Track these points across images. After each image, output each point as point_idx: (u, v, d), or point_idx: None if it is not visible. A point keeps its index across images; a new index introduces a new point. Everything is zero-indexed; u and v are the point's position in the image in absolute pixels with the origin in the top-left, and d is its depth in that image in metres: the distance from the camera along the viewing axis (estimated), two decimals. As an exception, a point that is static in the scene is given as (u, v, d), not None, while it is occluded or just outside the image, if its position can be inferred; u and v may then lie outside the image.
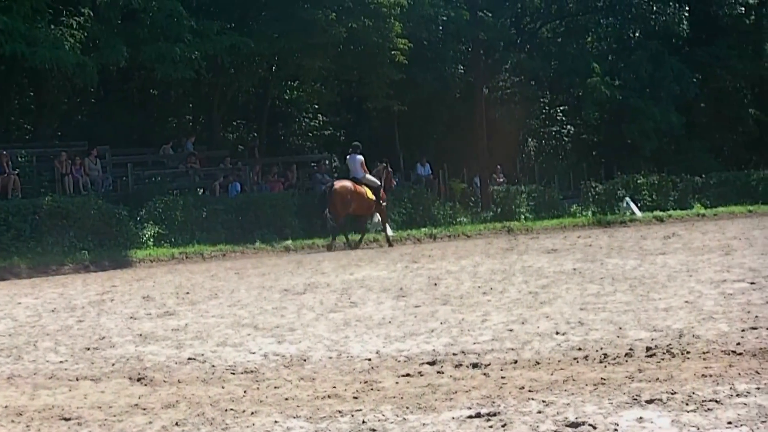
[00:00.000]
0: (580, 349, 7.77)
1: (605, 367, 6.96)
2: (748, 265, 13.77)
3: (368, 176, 26.07)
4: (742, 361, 6.86)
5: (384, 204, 26.26)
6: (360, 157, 26.25)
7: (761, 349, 7.29)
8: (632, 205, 32.75)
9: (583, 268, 14.78)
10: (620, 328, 8.69)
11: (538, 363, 7.25)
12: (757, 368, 6.55)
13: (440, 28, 35.95)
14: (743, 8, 47.55)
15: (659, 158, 40.12)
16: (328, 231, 25.28)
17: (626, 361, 7.14)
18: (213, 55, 27.97)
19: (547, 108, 42.46)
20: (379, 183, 26.17)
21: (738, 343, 7.58)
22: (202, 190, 28.65)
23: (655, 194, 35.42)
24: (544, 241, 22.83)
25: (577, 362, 7.21)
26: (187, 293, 14.09)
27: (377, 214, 26.56)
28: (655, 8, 45.53)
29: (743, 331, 8.17)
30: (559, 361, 7.28)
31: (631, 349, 7.56)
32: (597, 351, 7.60)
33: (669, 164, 38.91)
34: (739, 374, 6.38)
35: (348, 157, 27.01)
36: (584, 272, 14.03)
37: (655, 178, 36.19)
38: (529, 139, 41.79)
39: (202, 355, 8.48)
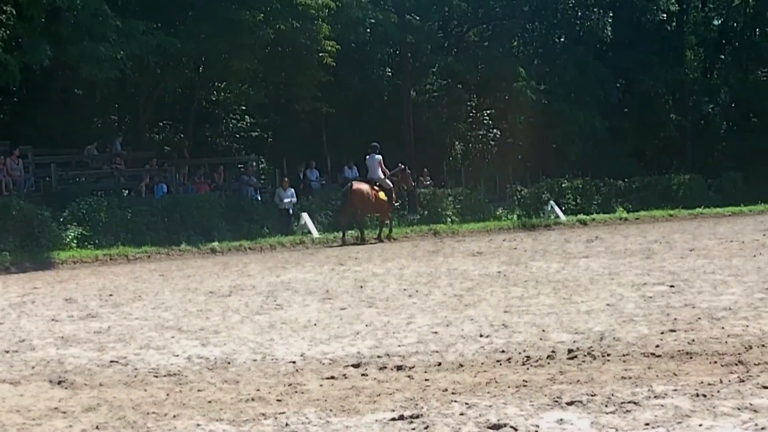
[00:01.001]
0: (503, 351, 7.85)
1: (527, 369, 7.03)
2: (668, 268, 14.02)
3: (383, 178, 27.14)
4: (661, 363, 6.98)
5: (397, 204, 27.85)
6: (378, 157, 27.32)
7: (679, 351, 7.43)
8: (556, 208, 33.06)
9: (507, 271, 14.91)
10: (543, 331, 8.79)
11: (461, 365, 7.31)
12: (674, 370, 6.67)
13: (368, 30, 35.96)
14: (665, 15, 48.46)
15: (583, 162, 40.56)
16: (340, 227, 26.59)
17: (548, 363, 7.23)
18: (139, 55, 27.60)
19: (474, 111, 42.65)
20: (391, 186, 27.21)
21: (657, 346, 7.72)
22: (127, 192, 28.28)
23: (579, 198, 35.78)
24: (470, 244, 22.97)
25: (500, 364, 7.28)
26: (111, 295, 13.92)
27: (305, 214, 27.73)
28: (580, 14, 46.17)
29: (662, 333, 8.32)
30: (482, 364, 7.34)
31: (553, 352, 7.66)
32: (520, 353, 7.68)
33: (593, 168, 39.33)
34: (658, 376, 6.50)
35: (367, 157, 27.81)
36: (509, 275, 14.16)
37: (579, 182, 36.56)
38: (456, 143, 41.90)
39: (125, 358, 8.39)
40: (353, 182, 27.41)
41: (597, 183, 37.03)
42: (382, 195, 26.86)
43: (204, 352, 8.51)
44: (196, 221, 26.14)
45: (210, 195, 28.18)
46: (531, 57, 45.00)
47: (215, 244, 24.60)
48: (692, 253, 16.79)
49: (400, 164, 28.82)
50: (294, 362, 7.84)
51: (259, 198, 29.94)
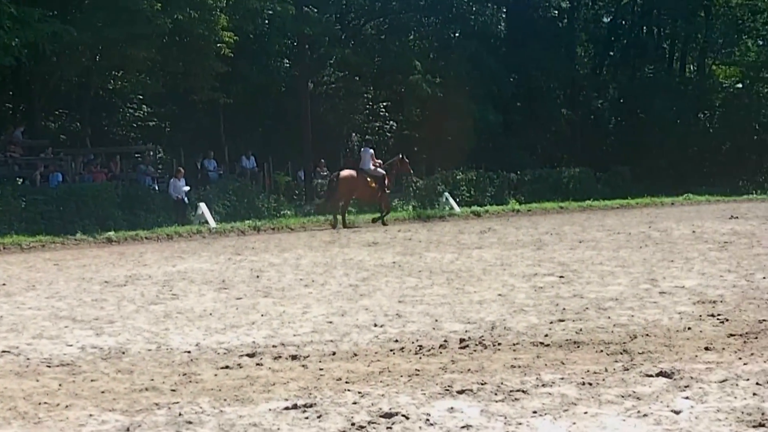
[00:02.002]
0: (396, 341, 7.88)
1: (420, 358, 7.07)
2: (558, 259, 14.24)
3: (373, 168, 28.34)
4: (549, 352, 7.08)
5: (388, 192, 28.80)
6: (371, 151, 28.98)
7: (567, 340, 7.55)
8: (451, 200, 33.28)
9: (402, 261, 14.97)
10: (436, 321, 8.84)
11: (355, 355, 7.31)
12: (562, 359, 6.78)
13: (266, 21, 35.74)
14: (557, 12, 49.20)
15: (477, 155, 40.89)
16: (330, 212, 28.18)
17: (440, 352, 7.28)
18: (34, 43, 26.91)
19: (370, 104, 42.77)
20: (384, 173, 28.47)
21: (546, 335, 7.83)
22: (21, 180, 27.63)
23: (473, 190, 36.06)
24: (366, 235, 23.00)
25: (394, 354, 7.30)
26: (4, 284, 13.59)
27: None
28: (474, 9, 46.52)
29: (551, 323, 8.44)
30: (376, 353, 7.35)
31: (445, 341, 7.71)
32: (413, 343, 7.71)
33: (487, 161, 39.66)
34: (546, 365, 6.59)
35: (362, 149, 29.49)
36: (403, 265, 14.22)
37: (473, 174, 36.80)
38: (353, 134, 41.95)
39: (17, 347, 8.20)
40: (340, 170, 28.86)
41: (490, 175, 37.37)
42: (372, 183, 28.16)
43: (98, 342, 8.36)
44: (92, 210, 25.66)
45: (106, 184, 27.69)
46: (426, 51, 45.27)
47: (111, 233, 24.16)
48: (581, 244, 17.08)
49: (399, 154, 30.08)
50: (189, 352, 7.75)
51: (157, 188, 29.53)
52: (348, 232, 25.07)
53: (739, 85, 52.37)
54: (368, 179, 28.16)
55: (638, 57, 50.50)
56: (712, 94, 50.65)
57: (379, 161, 29.28)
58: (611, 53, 52.07)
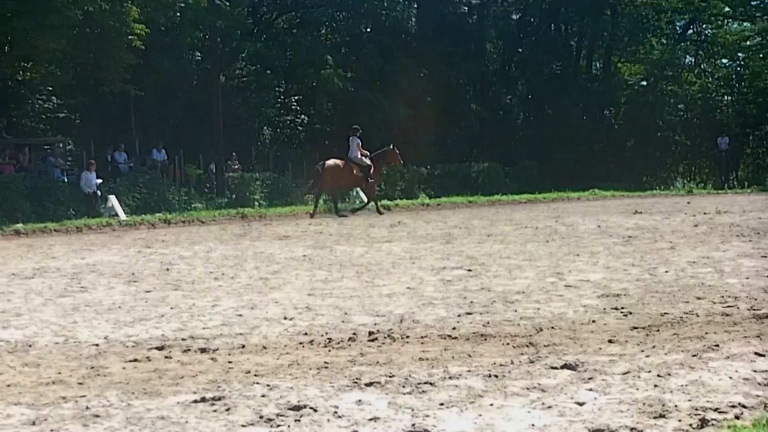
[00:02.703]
0: (306, 333, 7.87)
1: (329, 351, 7.07)
2: (467, 253, 14.35)
3: (360, 157, 29.42)
4: (457, 345, 7.14)
5: (371, 181, 29.64)
6: (357, 140, 29.76)
7: (474, 333, 7.62)
8: (361, 194, 33.31)
9: (313, 254, 14.96)
10: (345, 314, 8.85)
11: (265, 348, 7.28)
12: (469, 351, 6.84)
13: (178, 14, 35.30)
14: (467, 8, 49.51)
15: (390, 149, 41.02)
16: (313, 199, 29.86)
17: (349, 345, 7.29)
18: (-61, 32, 26.36)
19: (282, 97, 42.52)
20: (369, 163, 29.53)
21: (454, 328, 7.89)
22: (-75, 172, 26.99)
23: (383, 184, 36.17)
24: (277, 228, 22.94)
25: (303, 347, 7.29)
26: None
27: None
28: (385, 4, 46.59)
29: (459, 316, 8.51)
30: (285, 346, 7.33)
31: (354, 334, 7.72)
32: (322, 336, 7.71)
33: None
34: (453, 357, 6.64)
35: (349, 138, 30.01)
36: (314, 259, 14.21)
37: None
38: (265, 128, 41.67)
39: None
40: (326, 160, 29.54)
41: (401, 169, 37.48)
42: (356, 171, 29.21)
43: (4, 335, 8.20)
44: (0, 203, 25.17)
45: (15, 176, 27.16)
46: (338, 45, 45.24)
47: (19, 225, 23.69)
48: (489, 238, 17.24)
49: (391, 144, 30.97)
50: (97, 345, 7.64)
51: (66, 180, 29.04)
52: (259, 225, 24.97)
53: (644, 83, 53.53)
54: (354, 168, 29.02)
55: (546, 54, 51.10)
56: (617, 91, 51.56)
57: (366, 151, 30.01)
58: (520, 50, 52.61)
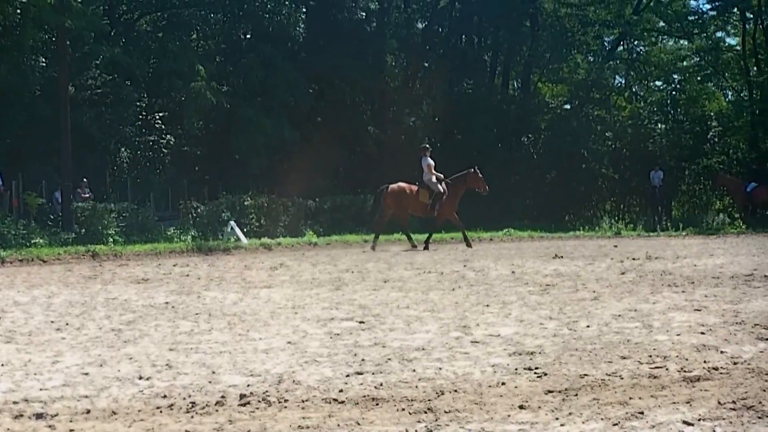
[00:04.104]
0: (165, 396, 7.79)
1: (192, 417, 7.02)
2: (359, 301, 14.40)
3: (434, 181, 31.65)
4: (344, 411, 7.15)
5: (435, 209, 31.73)
6: (429, 160, 31.92)
7: (365, 396, 7.64)
8: (237, 230, 33.19)
9: (176, 301, 14.84)
10: (213, 372, 8.80)
11: (114, 413, 7.19)
12: (358, 418, 6.86)
13: (18, 11, 34.86)
14: (364, 14, 49.75)
15: (270, 177, 40.97)
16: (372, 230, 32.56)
17: (216, 410, 7.24)
18: None
19: (144, 113, 42.25)
20: (441, 189, 31.65)
21: (341, 390, 7.90)
22: None
23: (263, 218, 36.12)
24: (135, 269, 22.70)
25: (161, 412, 7.22)
26: None
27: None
28: (269, 7, 46.62)
29: (348, 376, 8.53)
30: (139, 411, 7.25)
31: (223, 397, 7.68)
32: (184, 399, 7.65)
33: (280, 185, 39.81)
34: (339, 425, 6.65)
35: (420, 158, 32.33)
36: (178, 306, 14.09)
37: (264, 200, 36.86)
38: (122, 149, 41.32)
39: None
40: (390, 184, 32.21)
41: (284, 202, 37.51)
42: (422, 197, 31.56)
43: None
44: None
45: None
46: (212, 53, 45.20)
47: None
48: (386, 284, 17.32)
49: (472, 168, 33.11)
50: None
51: None
52: (113, 265, 24.68)
53: (567, 106, 54.55)
54: (422, 193, 31.29)
55: (456, 70, 51.66)
56: (537, 114, 52.40)
57: (440, 174, 31.95)
58: (426, 64, 53.09)
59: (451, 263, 22.79)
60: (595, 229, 43.32)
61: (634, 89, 60.73)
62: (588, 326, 11.33)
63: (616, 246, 30.55)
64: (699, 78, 56.02)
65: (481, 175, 32.68)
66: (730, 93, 58.95)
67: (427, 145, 33.53)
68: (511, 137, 50.37)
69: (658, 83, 59.93)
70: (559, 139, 49.76)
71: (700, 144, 52.06)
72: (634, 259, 23.14)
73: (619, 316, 12.19)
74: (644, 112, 54.77)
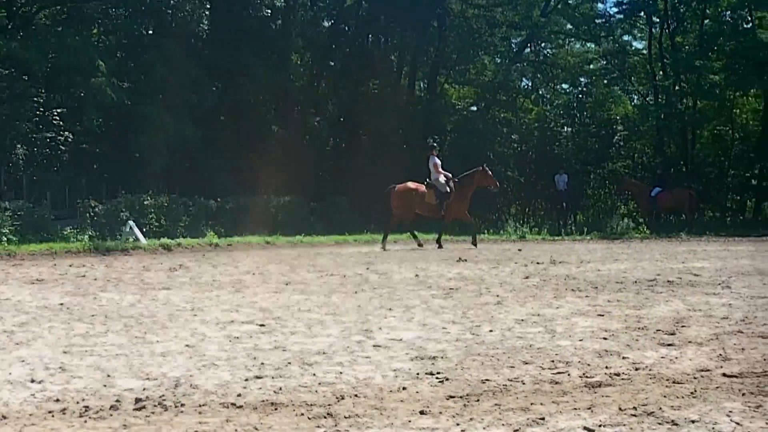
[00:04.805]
0: (58, 400, 7.70)
1: (86, 422, 6.95)
2: (260, 304, 14.36)
3: (442, 180, 32.48)
4: (242, 416, 7.13)
5: (443, 210, 32.73)
6: (435, 159, 32.87)
7: (263, 401, 7.62)
8: (136, 230, 32.87)
9: (72, 302, 14.67)
10: (108, 376, 8.71)
11: (5, 417, 7.09)
12: (256, 424, 6.84)
13: None
14: (269, 11, 49.51)
15: (171, 177, 40.64)
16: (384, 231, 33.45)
17: (111, 415, 7.17)
18: None
19: (41, 109, 41.62)
20: (448, 189, 32.50)
21: (239, 395, 7.87)
22: None
23: (163, 218, 35.81)
24: (29, 270, 22.39)
25: (53, 416, 7.14)
26: None
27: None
28: (172, 2, 46.21)
29: (246, 380, 8.50)
30: (30, 415, 7.16)
31: (118, 401, 7.60)
32: (78, 403, 7.56)
33: (182, 184, 39.52)
34: (236, 430, 6.63)
35: (428, 158, 33.23)
36: (73, 308, 13.93)
37: (164, 200, 36.51)
38: (18, 146, 40.65)
39: None
40: (399, 184, 33.29)
41: (185, 201, 37.22)
42: (429, 197, 32.46)
43: None
44: None
45: None
46: (114, 48, 44.64)
47: None
48: (288, 287, 17.30)
49: (481, 165, 34.32)
50: None
51: None
52: (7, 266, 24.31)
53: (474, 108, 54.88)
54: (428, 194, 31.91)
55: (362, 69, 51.67)
56: (443, 116, 52.59)
57: (447, 173, 32.69)
58: (332, 63, 53.08)
59: (355, 266, 22.83)
60: (499, 232, 43.62)
61: (540, 92, 61.37)
62: (491, 331, 11.42)
63: (520, 250, 30.88)
64: (605, 81, 56.88)
65: (490, 173, 33.69)
66: (636, 97, 59.85)
67: (434, 144, 34.34)
68: (417, 138, 50.43)
69: (564, 86, 60.64)
70: (465, 141, 50.01)
71: (605, 148, 52.80)
72: (538, 263, 23.38)
73: (522, 320, 12.31)
74: (551, 115, 55.39)
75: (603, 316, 12.72)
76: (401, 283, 17.94)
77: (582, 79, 58.05)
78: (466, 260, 24.66)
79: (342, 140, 52.38)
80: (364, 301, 14.81)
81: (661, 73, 53.43)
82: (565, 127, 55.22)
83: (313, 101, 51.73)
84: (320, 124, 52.50)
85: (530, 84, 60.99)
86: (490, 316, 12.76)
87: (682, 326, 11.54)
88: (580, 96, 56.31)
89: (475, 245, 32.61)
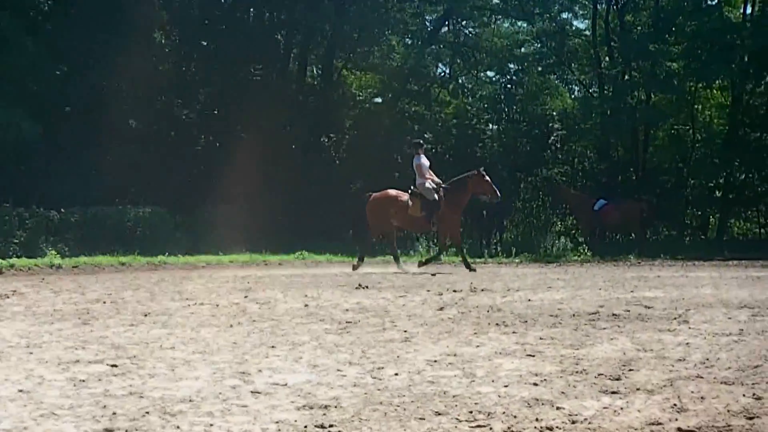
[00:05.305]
0: None
1: None
2: (112, 340, 14.28)
3: (428, 186, 31.92)
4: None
5: (432, 223, 32.42)
6: (422, 160, 32.27)
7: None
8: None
9: None
10: None
11: None
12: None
13: None
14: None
15: (1, 182, 40.20)
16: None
17: None
18: None
19: None
20: (436, 197, 31.74)
21: (85, 451, 7.87)
22: None
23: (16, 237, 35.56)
24: None
25: None
26: None
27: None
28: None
29: (94, 432, 8.49)
30: None
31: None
32: None
33: (16, 191, 39.10)
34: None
35: (414, 158, 32.74)
36: None
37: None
38: None
39: None
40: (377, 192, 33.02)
41: (20, 213, 36.88)
42: (413, 209, 31.92)
43: None
44: None
45: None
46: None
47: None
48: (147, 318, 17.22)
49: (476, 169, 33.67)
50: None
51: None
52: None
53: (378, 99, 54.94)
54: (411, 203, 31.23)
55: (241, 51, 51.47)
56: (340, 109, 52.54)
57: (437, 178, 32.24)
58: (204, 42, 52.79)
59: (230, 293, 22.80)
60: (409, 253, 43.75)
61: (460, 81, 61.52)
62: (396, 374, 11.48)
63: (434, 275, 30.96)
64: (540, 69, 57.20)
65: (488, 178, 33.07)
66: (577, 88, 60.41)
67: (420, 141, 33.67)
68: (308, 136, 50.48)
69: (490, 74, 60.94)
70: (367, 140, 50.13)
71: (539, 150, 53.22)
72: (455, 291, 23.52)
73: (435, 362, 12.38)
74: (472, 109, 55.58)
75: (533, 356, 12.83)
76: (287, 315, 17.95)
77: (511, 66, 58.38)
78: (367, 287, 24.74)
79: (216, 138, 52.04)
80: (241, 336, 14.80)
81: (607, 59, 54.02)
82: (490, 124, 55.56)
83: (181, 90, 51.39)
84: (189, 117, 52.18)
85: (448, 71, 61.23)
86: (395, 357, 12.82)
87: (630, 370, 11.66)
88: (509, 86, 56.63)
89: (470, 269, 32.38)
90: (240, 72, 51.29)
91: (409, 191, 32.60)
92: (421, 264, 33.08)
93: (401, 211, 32.20)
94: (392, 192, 32.73)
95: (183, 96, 51.35)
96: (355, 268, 31.63)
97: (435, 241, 47.58)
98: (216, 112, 51.69)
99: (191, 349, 13.47)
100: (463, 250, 33.63)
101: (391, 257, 33.79)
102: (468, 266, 32.65)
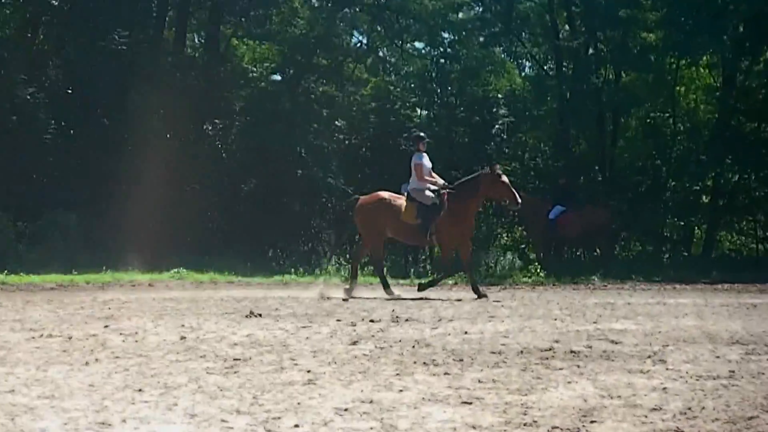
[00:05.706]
0: None
1: None
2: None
3: (426, 190, 31.71)
4: None
5: (429, 235, 32.09)
6: (423, 158, 32.02)
7: None
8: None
9: None
10: None
11: None
12: None
13: None
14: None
15: None
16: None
17: None
18: None
19: None
20: (437, 201, 31.53)
21: None
22: None
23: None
24: None
25: None
26: None
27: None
28: None
29: None
30: None
31: None
32: None
33: None
34: None
35: (412, 156, 32.50)
36: None
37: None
38: None
39: None
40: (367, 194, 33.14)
41: None
42: (408, 216, 31.63)
43: None
44: None
45: None
46: None
47: None
48: (-21, 354, 17.18)
49: (488, 166, 33.66)
50: None
51: None
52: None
53: (276, 77, 54.80)
54: (404, 209, 31.12)
55: (101, 15, 50.95)
56: (229, 89, 52.26)
57: (440, 178, 32.04)
58: (55, 3, 52.34)
59: (86, 322, 22.74)
60: (315, 272, 43.76)
61: (381, 54, 61.47)
62: (296, 426, 11.53)
63: (345, 299, 30.96)
64: (481, 39, 57.06)
65: (505, 178, 32.44)
66: (528, 64, 60.56)
67: (422, 134, 33.22)
68: (187, 123, 50.22)
69: (418, 45, 60.88)
70: (262, 128, 49.79)
71: (480, 142, 53.18)
72: (372, 321, 23.60)
73: (346, 410, 12.44)
74: (396, 89, 55.40)
75: (470, 404, 12.92)
76: (158, 350, 17.96)
77: (445, 36, 58.27)
78: (260, 315, 24.74)
79: (69, 124, 51.49)
80: (100, 377, 14.79)
81: (566, 27, 54.14)
82: (418, 109, 55.56)
83: (26, 64, 50.94)
84: (35, 98, 51.71)
85: (365, 42, 61.22)
86: (295, 403, 12.88)
87: (592, 421, 11.75)
88: (443, 61, 56.49)
89: (479, 295, 31.80)
90: (100, 42, 50.63)
91: (406, 194, 32.25)
92: (421, 287, 33.00)
93: (393, 217, 31.99)
94: (384, 194, 32.45)
95: (28, 72, 50.76)
96: (347, 292, 31.90)
97: (341, 255, 47.78)
98: (70, 91, 51.03)
99: (36, 392, 13.45)
100: (472, 270, 33.43)
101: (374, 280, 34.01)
102: (477, 292, 31.94)
